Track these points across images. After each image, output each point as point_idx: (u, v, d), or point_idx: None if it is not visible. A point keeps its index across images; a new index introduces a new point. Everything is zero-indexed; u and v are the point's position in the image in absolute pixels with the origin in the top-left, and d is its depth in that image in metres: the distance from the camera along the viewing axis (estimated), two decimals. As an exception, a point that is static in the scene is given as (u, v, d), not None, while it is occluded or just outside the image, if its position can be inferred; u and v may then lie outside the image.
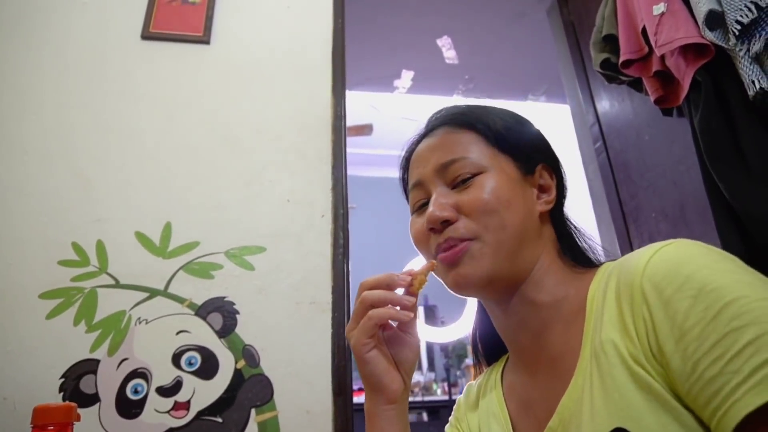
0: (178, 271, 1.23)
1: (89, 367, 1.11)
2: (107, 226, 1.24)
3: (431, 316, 4.14)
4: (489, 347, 0.78)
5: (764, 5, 1.06)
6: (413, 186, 0.70)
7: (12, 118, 1.30)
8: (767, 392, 0.39)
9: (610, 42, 1.51)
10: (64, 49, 1.40)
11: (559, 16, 2.24)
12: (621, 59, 1.41)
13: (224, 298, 1.22)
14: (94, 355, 1.12)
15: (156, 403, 1.11)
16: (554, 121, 3.22)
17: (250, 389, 1.15)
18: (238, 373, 1.16)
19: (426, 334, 4.11)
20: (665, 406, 0.46)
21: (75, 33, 1.43)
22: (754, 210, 1.06)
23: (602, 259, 0.68)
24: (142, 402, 1.10)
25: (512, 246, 0.62)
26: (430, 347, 4.29)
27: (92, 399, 1.09)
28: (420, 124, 0.75)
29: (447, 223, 0.63)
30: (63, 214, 1.23)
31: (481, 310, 0.78)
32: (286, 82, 1.49)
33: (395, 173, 0.79)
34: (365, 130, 3.45)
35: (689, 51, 1.22)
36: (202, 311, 1.20)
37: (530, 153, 0.68)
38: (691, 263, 0.47)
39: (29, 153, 1.28)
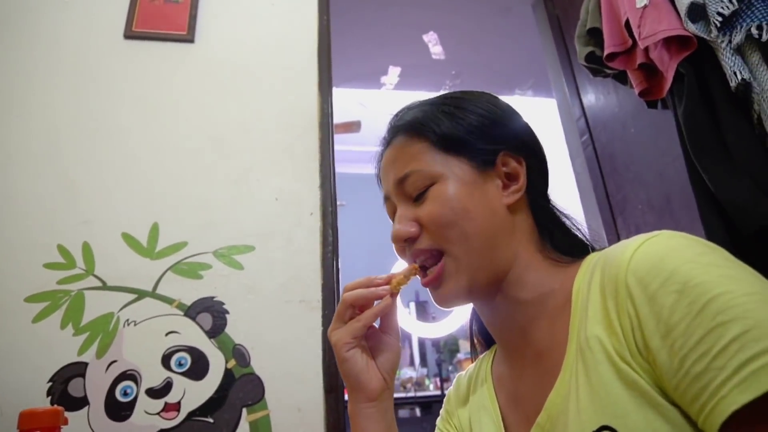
0: (166, 271, 1.22)
1: (77, 370, 1.10)
2: (93, 227, 1.23)
3: (422, 312, 4.15)
4: (486, 338, 0.79)
5: (744, -3, 1.07)
6: (384, 199, 0.70)
7: (-7, 120, 1.28)
8: (753, 389, 0.39)
9: (595, 35, 1.52)
10: (45, 50, 1.38)
11: (544, 10, 2.25)
12: (605, 52, 1.42)
13: (213, 298, 1.21)
14: (82, 358, 1.11)
15: (146, 404, 1.10)
16: (541, 115, 3.23)
17: (241, 389, 1.15)
18: (228, 373, 1.16)
19: (418, 329, 4.12)
20: (651, 402, 0.46)
21: (56, 33, 1.41)
22: (737, 200, 1.07)
23: (590, 244, 0.66)
24: (131, 404, 1.10)
25: (482, 252, 0.61)
26: (421, 343, 4.30)
27: (81, 402, 1.08)
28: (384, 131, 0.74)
29: (411, 239, 0.64)
30: (48, 216, 1.22)
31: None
32: (272, 79, 1.48)
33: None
34: (353, 127, 3.44)
35: (672, 43, 1.23)
36: (192, 312, 1.19)
37: (485, 146, 0.64)
38: (675, 257, 0.47)
39: (12, 155, 1.26)
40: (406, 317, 4.07)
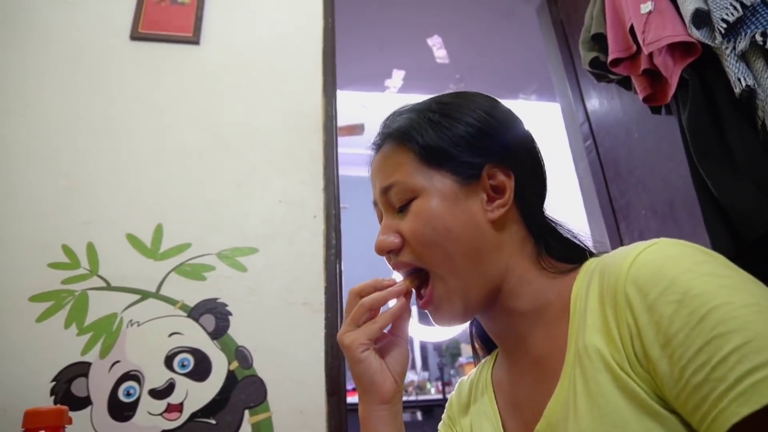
0: (170, 272, 1.22)
1: (81, 370, 1.11)
2: (98, 228, 1.23)
3: (425, 316, 4.15)
4: (487, 343, 0.79)
5: (749, 4, 1.07)
6: (373, 204, 0.71)
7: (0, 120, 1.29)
8: (752, 402, 0.38)
9: (599, 41, 1.52)
10: (51, 50, 1.39)
11: (548, 15, 2.26)
12: (609, 58, 1.42)
13: (217, 299, 1.22)
14: (86, 358, 1.12)
15: (149, 405, 1.10)
16: (545, 120, 3.23)
17: (244, 390, 1.15)
18: (231, 375, 1.16)
19: (419, 333, 4.12)
20: (650, 412, 0.45)
21: (63, 33, 1.42)
22: (741, 205, 1.07)
23: (588, 249, 0.65)
24: (134, 404, 1.10)
25: (468, 271, 0.61)
26: (423, 346, 4.30)
27: (84, 402, 1.08)
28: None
29: (393, 251, 0.64)
30: (53, 216, 1.22)
31: None
32: (277, 82, 1.49)
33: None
34: (356, 129, 3.45)
35: (676, 49, 1.23)
36: (195, 313, 1.20)
37: (470, 158, 0.62)
38: (674, 266, 0.46)
39: (18, 155, 1.27)
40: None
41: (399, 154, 0.65)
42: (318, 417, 1.16)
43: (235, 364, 1.17)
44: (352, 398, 1.90)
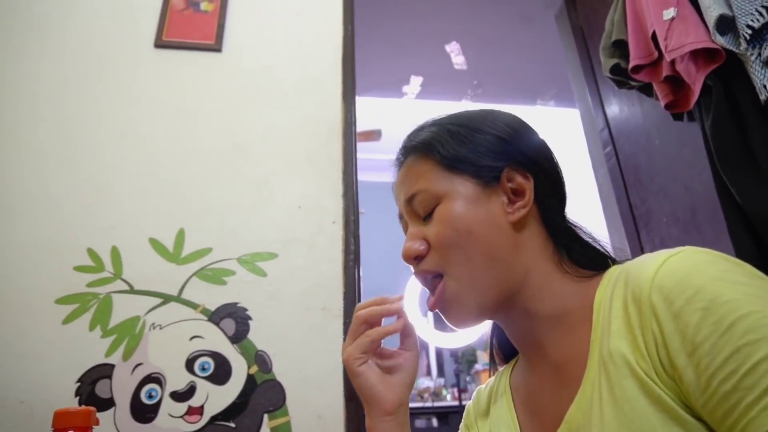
0: (191, 277, 1.24)
1: (104, 371, 1.13)
2: (121, 232, 1.26)
3: (441, 322, 4.14)
4: (506, 352, 0.79)
5: (775, 9, 1.06)
6: (399, 218, 0.72)
7: (28, 125, 1.33)
8: None
9: (620, 47, 1.51)
10: (79, 59, 1.43)
11: (567, 21, 2.25)
12: (631, 64, 1.41)
13: (237, 303, 1.23)
14: (110, 360, 1.14)
15: (170, 407, 1.12)
16: (564, 126, 3.21)
17: (263, 395, 1.16)
18: (250, 379, 1.17)
19: (435, 339, 4.10)
20: (677, 419, 0.45)
21: (90, 42, 1.45)
22: (766, 212, 1.06)
23: (610, 257, 0.65)
24: (156, 407, 1.11)
25: (485, 271, 0.61)
26: (439, 353, 4.28)
27: (107, 403, 1.10)
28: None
29: (419, 257, 0.65)
30: (78, 220, 1.25)
31: None
32: (297, 88, 1.50)
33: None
34: (374, 135, 3.47)
35: (700, 56, 1.22)
36: (215, 317, 1.21)
37: (489, 162, 0.64)
38: (700, 274, 0.46)
39: (45, 160, 1.30)
40: (424, 327, 4.06)
41: (421, 165, 0.67)
42: (336, 422, 1.16)
43: (254, 368, 1.18)
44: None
